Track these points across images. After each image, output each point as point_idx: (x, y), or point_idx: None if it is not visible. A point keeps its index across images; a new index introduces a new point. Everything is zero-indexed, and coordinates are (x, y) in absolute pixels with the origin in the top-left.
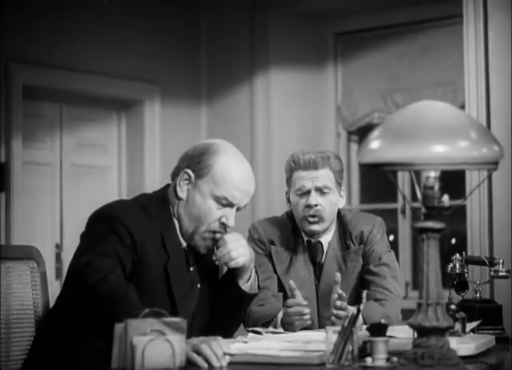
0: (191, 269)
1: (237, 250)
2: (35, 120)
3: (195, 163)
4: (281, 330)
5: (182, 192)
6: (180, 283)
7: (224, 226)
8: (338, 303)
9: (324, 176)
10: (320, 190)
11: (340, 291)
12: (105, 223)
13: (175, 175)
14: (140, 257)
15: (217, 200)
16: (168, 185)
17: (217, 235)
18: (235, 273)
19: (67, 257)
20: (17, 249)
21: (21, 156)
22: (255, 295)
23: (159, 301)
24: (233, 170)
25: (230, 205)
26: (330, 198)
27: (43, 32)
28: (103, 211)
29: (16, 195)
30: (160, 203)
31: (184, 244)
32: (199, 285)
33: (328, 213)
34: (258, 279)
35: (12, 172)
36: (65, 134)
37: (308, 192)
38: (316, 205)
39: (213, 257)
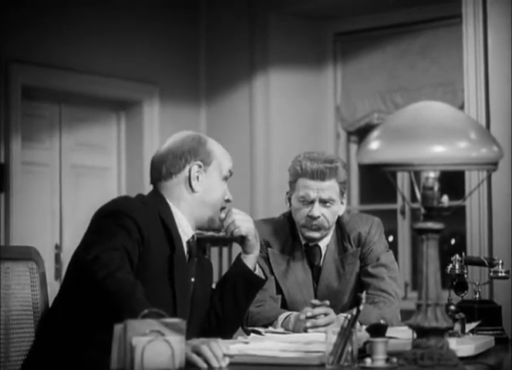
0: (195, 260)
1: (241, 220)
2: (35, 120)
3: (197, 154)
4: (281, 330)
5: (198, 184)
6: (182, 275)
7: (227, 201)
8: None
9: (329, 188)
10: (324, 202)
11: (316, 301)
12: (113, 218)
13: (175, 171)
14: (146, 249)
15: (225, 178)
16: (155, 189)
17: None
18: (243, 251)
19: (66, 258)
20: (16, 249)
21: (20, 157)
22: (264, 281)
23: (161, 292)
24: (220, 147)
25: (228, 178)
26: (333, 208)
27: (43, 32)
28: (109, 207)
29: (15, 195)
30: (158, 201)
31: (188, 237)
32: (193, 279)
33: (330, 222)
34: (264, 272)
35: (11, 172)
36: (65, 134)
37: (312, 202)
38: (319, 216)
39: (222, 229)
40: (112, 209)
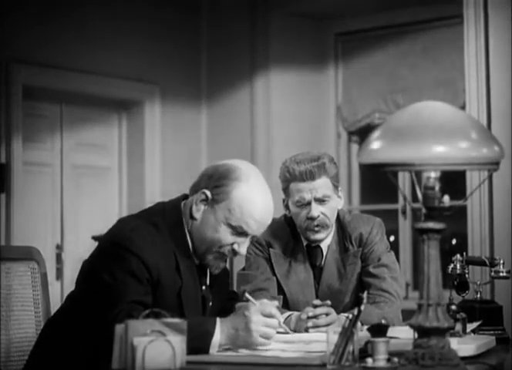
0: (203, 288)
1: (266, 333)
2: (36, 121)
3: (214, 185)
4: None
5: (197, 212)
6: (193, 306)
7: (234, 252)
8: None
9: (322, 186)
10: (320, 200)
11: (318, 302)
12: (120, 261)
13: (193, 191)
14: (156, 283)
15: (232, 227)
16: (185, 196)
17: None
18: None
19: (67, 258)
20: (17, 250)
21: (21, 157)
22: None
23: None
24: (252, 201)
25: (244, 234)
26: (330, 204)
27: (43, 32)
28: (116, 240)
29: (16, 196)
30: (173, 220)
31: (197, 261)
32: (211, 303)
33: (331, 218)
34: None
35: (13, 172)
36: (66, 134)
37: (309, 203)
38: (318, 216)
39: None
40: (118, 243)
